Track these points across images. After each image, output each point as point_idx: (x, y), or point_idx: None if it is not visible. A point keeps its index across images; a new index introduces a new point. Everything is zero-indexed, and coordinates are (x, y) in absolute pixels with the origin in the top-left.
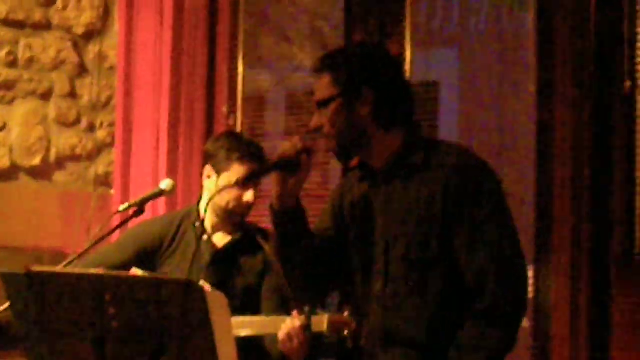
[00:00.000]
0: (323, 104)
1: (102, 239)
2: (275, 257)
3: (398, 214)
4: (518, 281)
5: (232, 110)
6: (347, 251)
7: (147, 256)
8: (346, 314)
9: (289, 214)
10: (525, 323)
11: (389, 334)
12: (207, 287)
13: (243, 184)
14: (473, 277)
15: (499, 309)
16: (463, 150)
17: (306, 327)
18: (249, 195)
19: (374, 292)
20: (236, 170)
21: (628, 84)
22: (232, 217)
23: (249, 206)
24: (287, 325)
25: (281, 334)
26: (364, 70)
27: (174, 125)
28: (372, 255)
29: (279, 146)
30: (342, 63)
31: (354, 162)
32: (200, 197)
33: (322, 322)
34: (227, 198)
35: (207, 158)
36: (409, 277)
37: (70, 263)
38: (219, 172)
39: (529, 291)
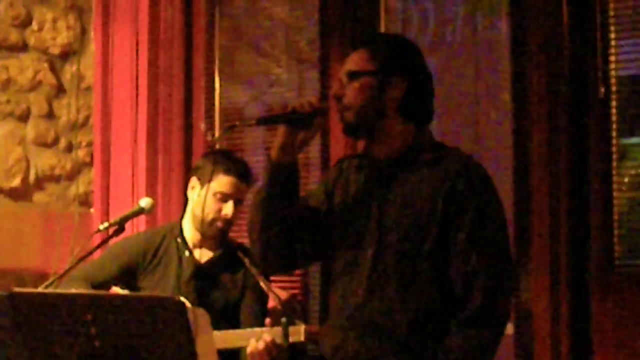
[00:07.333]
0: (355, 75)
1: (83, 258)
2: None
3: (397, 205)
4: (505, 287)
5: (210, 127)
6: (329, 233)
7: (130, 272)
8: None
9: (285, 169)
10: (510, 330)
11: (369, 320)
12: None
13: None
14: (463, 278)
15: (487, 312)
16: (469, 156)
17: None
18: (228, 208)
19: (360, 277)
20: (221, 181)
21: (602, 90)
22: (211, 231)
23: (228, 220)
24: (264, 339)
25: (252, 348)
26: (403, 58)
27: (152, 143)
28: (362, 241)
29: (254, 160)
30: (384, 45)
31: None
32: (183, 214)
33: (299, 332)
34: (207, 209)
35: (194, 171)
36: (398, 267)
37: (51, 283)
38: (203, 183)
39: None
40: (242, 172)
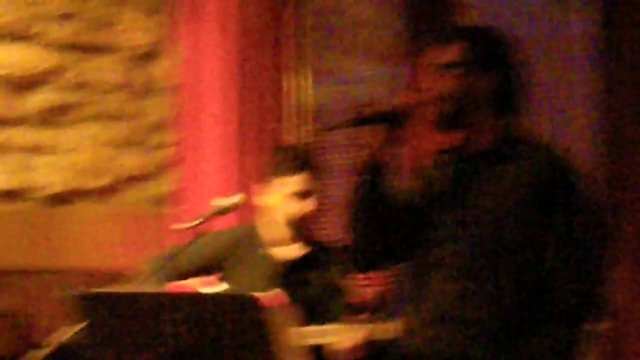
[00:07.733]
0: (450, 66)
1: (169, 255)
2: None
3: (484, 199)
4: (595, 287)
5: (298, 124)
6: (417, 229)
7: (212, 268)
8: None
9: (381, 169)
10: (603, 326)
11: (455, 316)
12: (283, 297)
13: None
14: (551, 276)
15: (575, 312)
16: (558, 152)
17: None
18: (308, 205)
19: (446, 273)
20: (294, 181)
21: None
22: (296, 229)
23: (312, 216)
24: (352, 336)
25: (340, 345)
26: (499, 52)
27: (241, 142)
28: (448, 237)
29: (335, 157)
30: (479, 37)
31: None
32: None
33: (387, 329)
34: (289, 211)
35: (267, 175)
36: (484, 262)
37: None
38: (277, 187)
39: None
40: (310, 165)
